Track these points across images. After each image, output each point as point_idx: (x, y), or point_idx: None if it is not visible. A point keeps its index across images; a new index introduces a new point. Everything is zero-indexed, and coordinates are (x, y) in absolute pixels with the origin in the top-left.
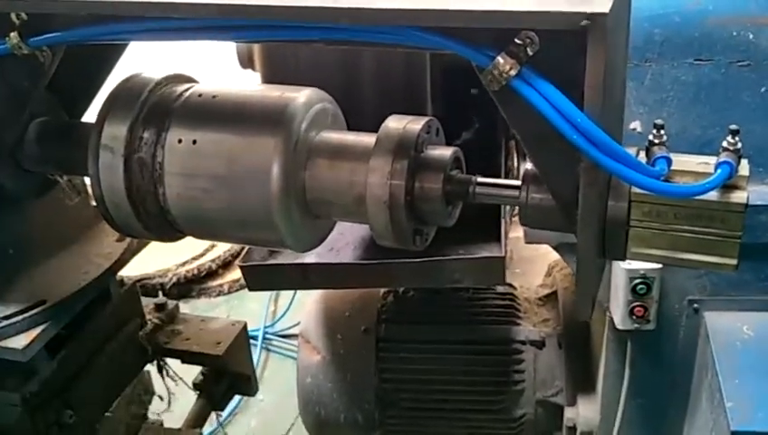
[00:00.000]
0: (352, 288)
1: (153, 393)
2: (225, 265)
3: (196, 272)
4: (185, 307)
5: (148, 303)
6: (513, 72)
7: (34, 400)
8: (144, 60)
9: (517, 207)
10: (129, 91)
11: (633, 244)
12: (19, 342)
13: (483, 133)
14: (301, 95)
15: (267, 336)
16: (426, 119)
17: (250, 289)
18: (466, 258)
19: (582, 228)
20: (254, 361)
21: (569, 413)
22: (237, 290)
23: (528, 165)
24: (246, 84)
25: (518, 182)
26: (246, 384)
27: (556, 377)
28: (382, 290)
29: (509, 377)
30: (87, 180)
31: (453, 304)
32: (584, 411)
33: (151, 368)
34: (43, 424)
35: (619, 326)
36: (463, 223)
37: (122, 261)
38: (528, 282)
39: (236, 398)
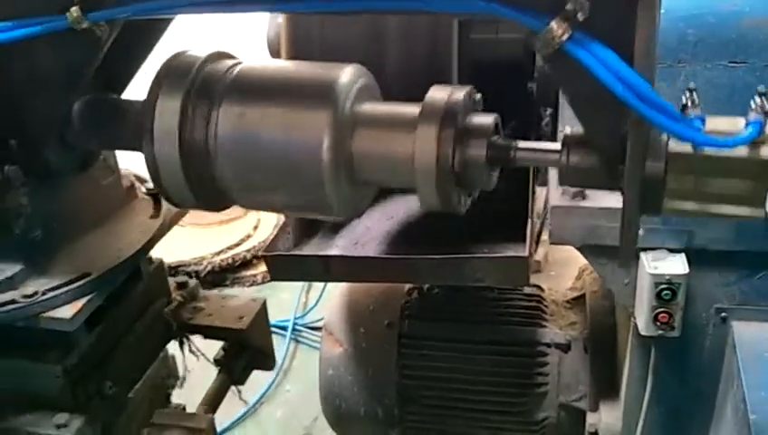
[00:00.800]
0: (374, 282)
1: (177, 378)
2: (259, 255)
3: (230, 261)
4: None
5: (170, 282)
6: (565, 36)
7: (75, 372)
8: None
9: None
10: (179, 68)
11: (668, 200)
12: (66, 312)
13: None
14: (346, 72)
15: (297, 327)
16: (467, 88)
17: (272, 278)
18: (489, 257)
19: (630, 182)
20: (283, 351)
21: (591, 419)
22: (270, 281)
23: (567, 130)
24: (290, 62)
25: (557, 146)
26: (265, 359)
27: (580, 381)
28: (407, 286)
29: (532, 379)
30: (118, 157)
31: (478, 303)
32: (606, 418)
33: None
34: (84, 395)
35: (643, 332)
36: (491, 222)
37: (156, 238)
38: (560, 284)
39: (263, 388)
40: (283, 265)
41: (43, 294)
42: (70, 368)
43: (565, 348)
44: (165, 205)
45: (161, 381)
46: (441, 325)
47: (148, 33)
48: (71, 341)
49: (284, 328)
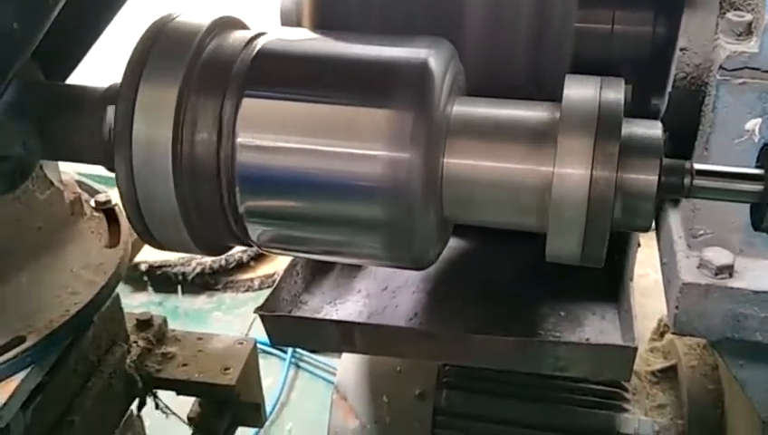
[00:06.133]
0: (412, 359)
1: None
2: (258, 257)
3: (223, 262)
4: (209, 301)
5: (129, 319)
6: None
7: None
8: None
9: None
10: (171, 40)
11: None
12: None
13: None
14: (435, 51)
15: (297, 351)
16: (621, 82)
17: (272, 343)
18: (580, 344)
19: None
20: (281, 380)
21: None
22: (268, 287)
23: None
24: (337, 33)
25: (756, 170)
26: (255, 415)
27: None
28: None
29: None
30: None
31: (539, 376)
32: None
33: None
34: None
35: None
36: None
37: (116, 278)
38: None
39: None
40: (289, 330)
41: None
42: None
43: None
44: (125, 224)
45: None
46: (490, 401)
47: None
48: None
49: (283, 350)
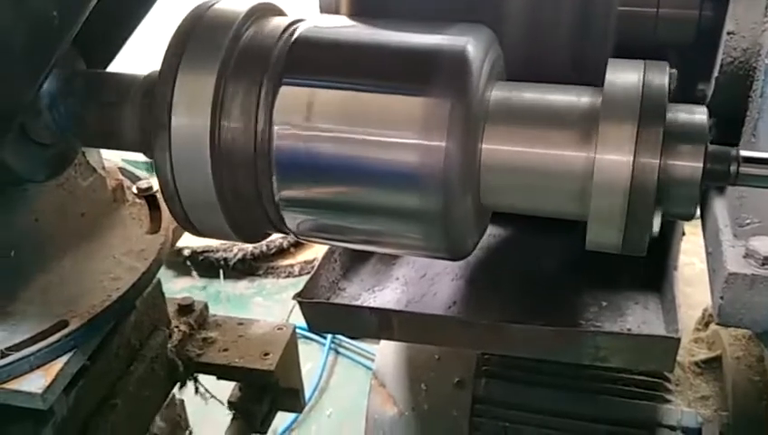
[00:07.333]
0: (450, 347)
1: (187, 428)
2: (298, 243)
3: (264, 249)
4: (250, 286)
5: (170, 304)
6: None
7: None
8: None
9: None
10: (209, 27)
11: None
12: (35, 383)
13: None
14: (474, 37)
15: (337, 336)
16: (666, 65)
17: (311, 330)
18: (621, 334)
19: None
20: (320, 366)
21: None
22: (308, 273)
23: None
24: (373, 20)
25: None
26: (294, 400)
27: None
28: None
29: None
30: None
31: (580, 365)
32: None
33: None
34: None
35: None
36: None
37: (157, 263)
38: None
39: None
40: (327, 316)
41: (2, 355)
42: None
43: (695, 433)
44: (166, 211)
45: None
46: (530, 390)
47: None
48: (43, 412)
49: (323, 336)
